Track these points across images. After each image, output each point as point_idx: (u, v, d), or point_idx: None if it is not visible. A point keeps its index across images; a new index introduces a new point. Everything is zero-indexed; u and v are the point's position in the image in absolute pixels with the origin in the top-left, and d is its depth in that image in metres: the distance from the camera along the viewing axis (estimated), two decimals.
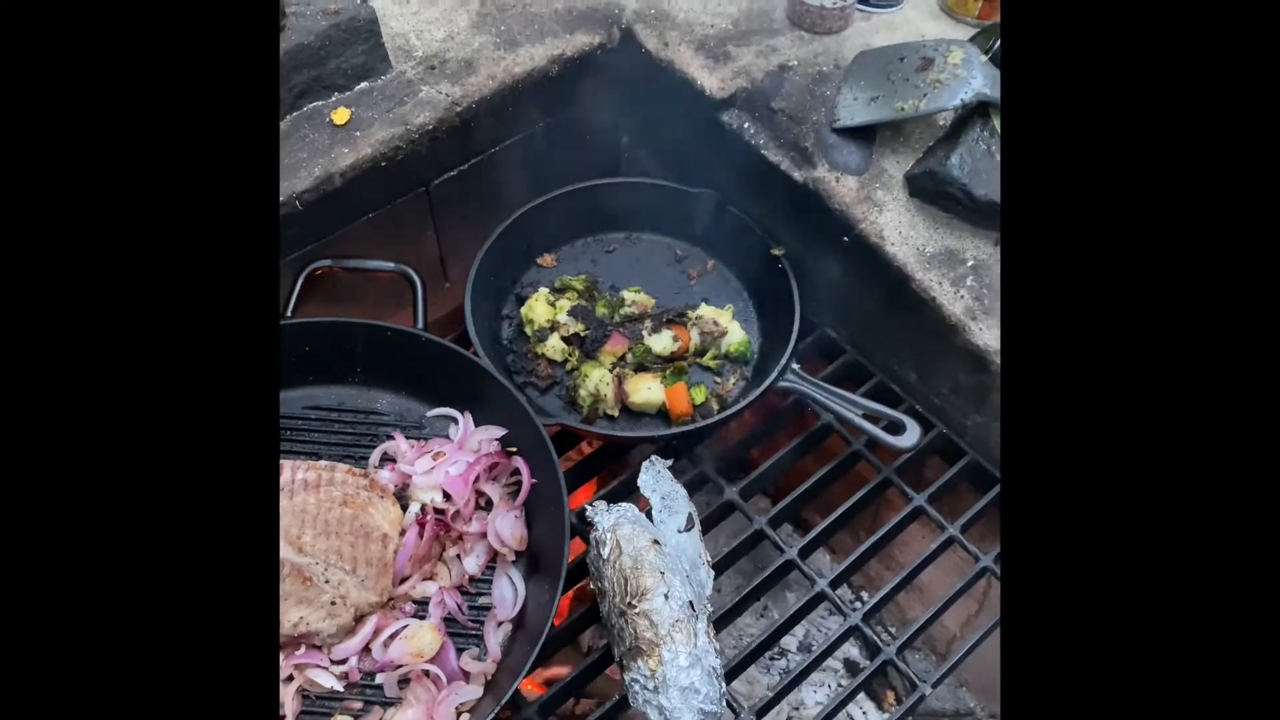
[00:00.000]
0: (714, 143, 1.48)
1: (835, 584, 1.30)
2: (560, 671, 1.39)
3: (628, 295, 1.48)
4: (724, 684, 1.09)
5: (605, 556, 1.18)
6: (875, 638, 1.27)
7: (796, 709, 1.72)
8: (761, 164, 1.43)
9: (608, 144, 1.66)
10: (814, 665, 1.26)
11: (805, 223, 1.41)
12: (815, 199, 1.37)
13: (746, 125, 1.44)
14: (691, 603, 1.13)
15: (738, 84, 1.45)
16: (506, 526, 1.25)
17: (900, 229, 1.31)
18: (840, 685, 1.76)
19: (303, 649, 1.15)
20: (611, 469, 1.44)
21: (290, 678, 1.14)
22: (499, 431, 1.32)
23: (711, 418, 1.36)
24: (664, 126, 1.59)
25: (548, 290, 1.49)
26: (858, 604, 1.38)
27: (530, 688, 1.45)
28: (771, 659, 1.76)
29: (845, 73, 1.39)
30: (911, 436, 1.29)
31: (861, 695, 1.73)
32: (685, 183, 1.56)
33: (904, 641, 1.26)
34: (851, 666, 1.78)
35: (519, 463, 1.29)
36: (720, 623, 1.26)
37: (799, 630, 1.80)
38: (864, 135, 1.36)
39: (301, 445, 1.32)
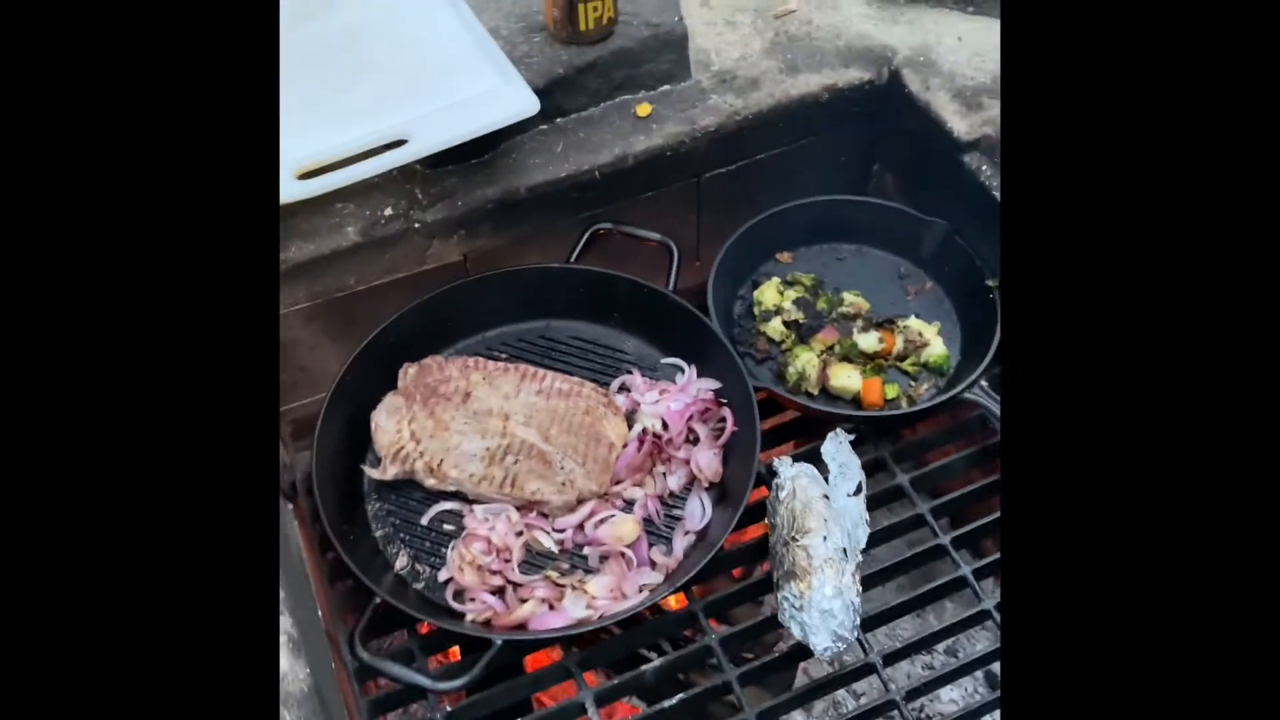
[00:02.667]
0: (953, 179, 1.67)
1: (979, 575, 1.46)
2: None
3: (847, 296, 1.71)
4: (859, 618, 1.30)
5: (781, 498, 1.42)
6: None
7: (930, 700, 1.87)
8: (992, 204, 1.60)
9: (858, 165, 1.88)
10: (956, 627, 1.44)
11: None
12: None
13: (984, 168, 1.63)
14: (845, 550, 1.35)
15: (984, 131, 1.64)
16: (706, 460, 1.52)
17: None
18: (979, 694, 1.89)
19: (534, 513, 1.48)
20: (800, 440, 1.67)
21: (520, 533, 1.47)
22: (716, 384, 1.59)
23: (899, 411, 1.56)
24: (910, 158, 1.80)
25: (779, 280, 1.74)
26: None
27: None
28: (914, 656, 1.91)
29: None
30: None
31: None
32: (921, 210, 1.75)
33: None
34: (993, 680, 1.90)
35: (727, 412, 1.55)
36: (865, 582, 1.46)
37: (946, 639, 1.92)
38: None
39: (562, 363, 1.65)
